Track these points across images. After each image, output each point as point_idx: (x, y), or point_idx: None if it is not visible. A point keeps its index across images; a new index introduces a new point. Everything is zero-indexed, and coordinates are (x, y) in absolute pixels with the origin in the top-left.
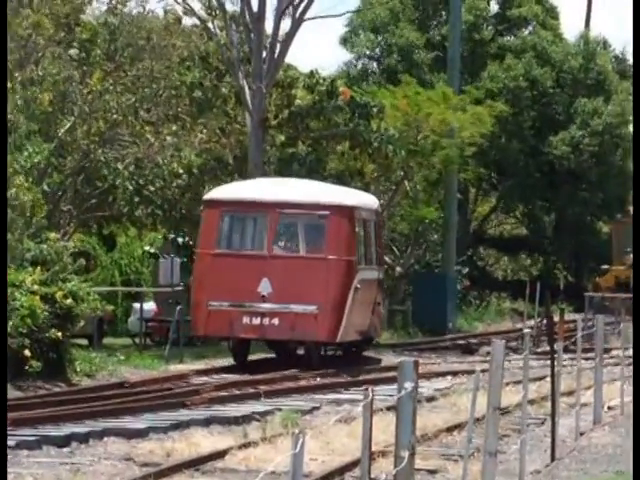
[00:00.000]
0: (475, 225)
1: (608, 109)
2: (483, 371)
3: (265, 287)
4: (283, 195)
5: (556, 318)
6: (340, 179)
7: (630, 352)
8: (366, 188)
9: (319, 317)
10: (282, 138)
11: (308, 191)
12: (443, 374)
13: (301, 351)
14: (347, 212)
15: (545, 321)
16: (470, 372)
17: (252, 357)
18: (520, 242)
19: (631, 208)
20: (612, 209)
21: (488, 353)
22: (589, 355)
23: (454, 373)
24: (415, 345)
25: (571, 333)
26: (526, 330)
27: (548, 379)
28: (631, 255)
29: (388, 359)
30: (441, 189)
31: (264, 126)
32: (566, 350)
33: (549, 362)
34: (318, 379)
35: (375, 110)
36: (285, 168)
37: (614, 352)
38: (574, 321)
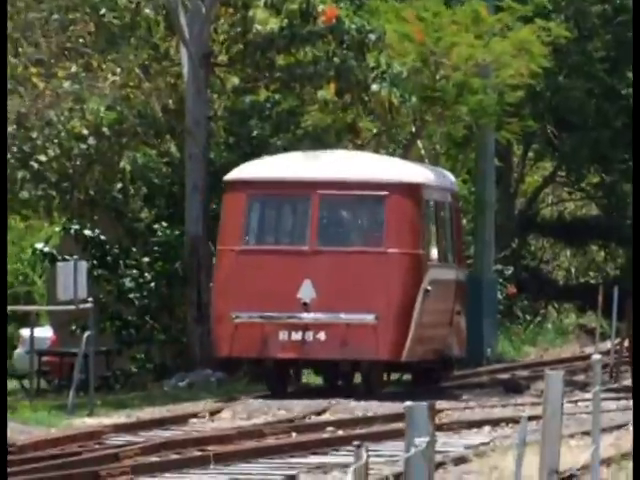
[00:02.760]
0: (523, 204)
1: None
2: (534, 418)
3: (307, 292)
4: (328, 172)
5: None
6: (321, 139)
7: None
8: (360, 151)
9: (379, 329)
10: (235, 81)
11: (360, 165)
12: (478, 424)
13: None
14: (413, 192)
15: (626, 343)
16: (517, 420)
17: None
18: (590, 227)
19: None
20: None
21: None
22: None
23: (494, 422)
24: (436, 381)
25: None
26: (596, 356)
27: (630, 428)
28: None
29: (389, 404)
30: (471, 152)
31: (208, 64)
32: None
33: (632, 403)
34: (294, 435)
35: (373, 38)
36: (240, 124)
37: None
38: None
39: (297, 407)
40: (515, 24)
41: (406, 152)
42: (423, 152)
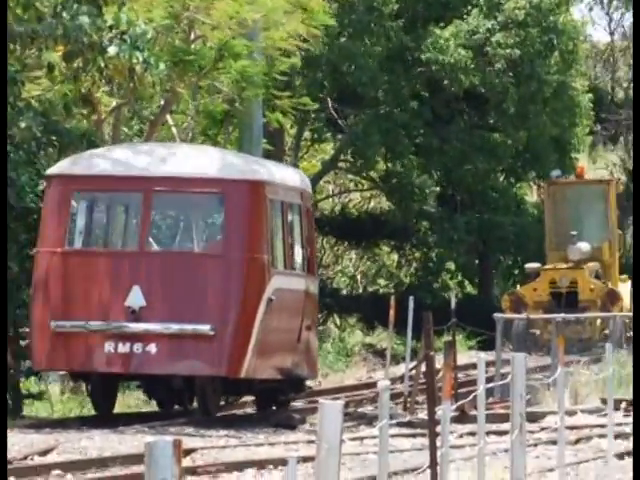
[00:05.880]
0: None
1: None
2: (310, 459)
3: (136, 299)
4: (162, 167)
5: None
6: (46, 114)
7: (576, 419)
8: (96, 129)
9: (215, 341)
10: None
11: (199, 160)
12: (240, 466)
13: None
14: (255, 190)
15: (424, 367)
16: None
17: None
18: (380, 225)
19: (579, 156)
20: (543, 161)
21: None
22: (503, 427)
23: (260, 464)
24: (185, 415)
25: (471, 388)
26: (383, 382)
27: (428, 471)
28: (580, 244)
29: (130, 439)
30: (234, 131)
31: None
32: (461, 418)
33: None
34: None
35: None
36: None
37: (548, 420)
38: (475, 365)
39: (17, 445)
40: None
41: (152, 130)
42: (174, 130)
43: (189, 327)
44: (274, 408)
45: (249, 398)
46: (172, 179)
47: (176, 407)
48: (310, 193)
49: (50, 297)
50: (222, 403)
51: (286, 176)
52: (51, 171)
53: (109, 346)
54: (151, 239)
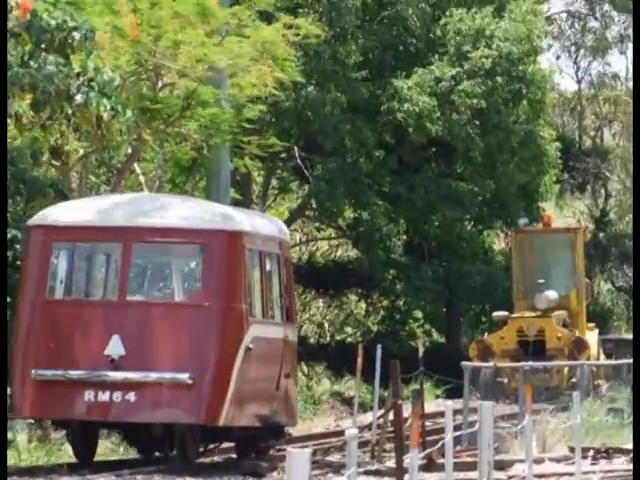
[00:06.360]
0: None
1: (502, 28)
2: None
3: (115, 348)
4: (142, 218)
5: (410, 409)
6: (13, 163)
7: (544, 468)
8: (64, 177)
9: (194, 389)
10: None
11: (177, 211)
12: None
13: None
14: (234, 240)
15: (392, 415)
16: None
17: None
18: (347, 273)
19: (547, 205)
20: (510, 209)
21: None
22: (471, 475)
23: None
24: (153, 464)
25: (438, 436)
26: (351, 431)
27: None
28: (547, 292)
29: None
30: (201, 179)
31: None
32: (428, 466)
33: None
34: None
35: (78, 36)
36: None
37: (516, 468)
38: (442, 414)
39: None
40: (254, 21)
41: (120, 178)
42: (142, 179)
43: (168, 376)
44: (253, 455)
45: (227, 445)
46: (152, 229)
47: (157, 454)
48: (288, 242)
49: (31, 346)
50: (201, 450)
51: (264, 226)
52: (31, 221)
53: (89, 394)
54: (131, 289)
